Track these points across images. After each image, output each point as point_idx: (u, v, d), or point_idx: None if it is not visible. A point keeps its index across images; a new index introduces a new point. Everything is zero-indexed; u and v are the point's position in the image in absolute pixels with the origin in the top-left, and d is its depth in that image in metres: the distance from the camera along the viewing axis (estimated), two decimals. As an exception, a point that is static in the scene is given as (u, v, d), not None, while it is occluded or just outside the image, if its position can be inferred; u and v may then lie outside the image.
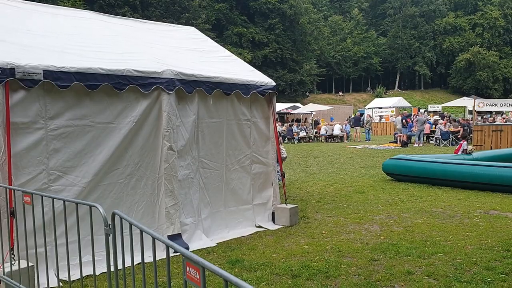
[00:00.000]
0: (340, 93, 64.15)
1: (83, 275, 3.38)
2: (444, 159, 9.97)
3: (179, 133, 5.47)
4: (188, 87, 5.50)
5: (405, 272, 4.35)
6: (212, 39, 8.35)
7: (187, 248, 5.15)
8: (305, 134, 26.43)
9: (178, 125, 5.46)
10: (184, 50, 6.72)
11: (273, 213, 6.62)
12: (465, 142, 12.00)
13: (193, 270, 1.91)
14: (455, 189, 8.94)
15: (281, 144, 9.37)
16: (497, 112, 30.44)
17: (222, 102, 6.05)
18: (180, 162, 5.48)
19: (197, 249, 5.32)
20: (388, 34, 66.50)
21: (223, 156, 6.13)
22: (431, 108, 39.76)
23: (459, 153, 11.54)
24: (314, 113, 34.60)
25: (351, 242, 5.51)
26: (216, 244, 5.56)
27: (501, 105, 20.80)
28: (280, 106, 34.30)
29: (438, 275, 4.26)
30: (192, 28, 8.12)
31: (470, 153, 11.11)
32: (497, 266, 4.41)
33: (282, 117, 35.25)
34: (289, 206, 6.56)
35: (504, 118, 26.73)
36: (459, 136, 18.71)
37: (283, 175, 7.27)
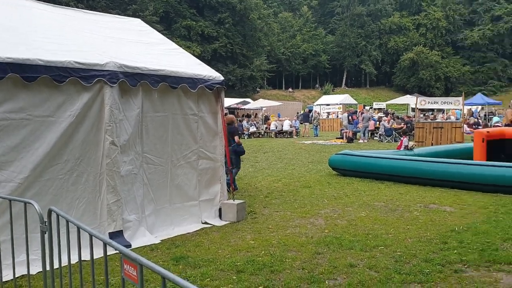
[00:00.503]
0: (290, 90, 65.04)
1: (18, 275, 3.23)
2: (387, 155, 10.36)
3: (122, 128, 5.34)
4: (132, 80, 5.38)
5: (348, 265, 4.49)
6: (160, 31, 8.22)
7: (129, 246, 5.06)
8: (255, 129, 26.60)
9: (121, 119, 5.33)
10: (129, 42, 6.56)
11: (220, 209, 6.62)
12: (406, 139, 12.52)
13: (130, 267, 1.88)
14: (397, 184, 9.30)
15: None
16: (439, 110, 31.99)
17: (168, 96, 5.96)
18: (123, 158, 5.36)
19: (141, 246, 5.23)
20: (336, 33, 68.08)
21: (169, 152, 6.05)
22: (376, 105, 41.19)
23: (401, 149, 12.03)
24: (264, 108, 34.87)
25: (297, 236, 5.61)
26: (160, 241, 5.49)
27: (442, 103, 21.82)
28: (230, 101, 34.24)
29: (379, 267, 4.43)
30: (138, 20, 7.94)
31: (411, 149, 11.61)
32: (434, 258, 4.64)
33: (232, 112, 35.19)
34: (237, 201, 6.58)
35: (443, 116, 28.11)
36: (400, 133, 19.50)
37: (230, 171, 7.29)
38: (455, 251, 4.85)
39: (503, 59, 62.61)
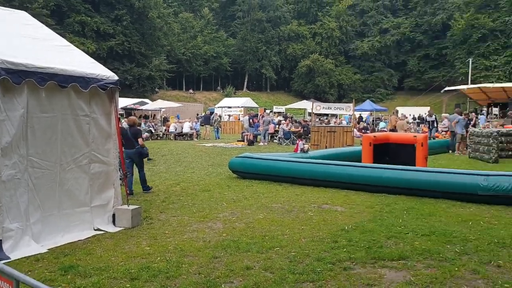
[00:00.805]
0: (191, 91, 64.61)
1: None
2: (285, 157, 10.74)
3: (3, 129, 4.90)
4: (15, 78, 4.95)
5: (244, 268, 4.56)
6: (51, 26, 7.68)
7: (6, 259, 4.65)
8: (152, 131, 25.97)
9: (3, 119, 4.90)
10: (13, 36, 6.01)
11: (114, 215, 6.34)
12: (302, 142, 13.06)
13: (5, 284, 1.72)
14: (294, 185, 9.67)
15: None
16: (332, 115, 33.97)
17: (56, 95, 5.58)
18: (4, 161, 4.92)
19: (24, 257, 4.83)
20: (237, 36, 69.14)
21: (57, 155, 5.66)
22: (276, 109, 42.61)
23: (298, 151, 12.53)
24: (163, 109, 34.20)
25: (194, 241, 5.58)
26: (47, 250, 5.12)
27: (335, 108, 23.24)
28: (127, 102, 33.09)
29: (274, 268, 4.56)
30: (24, 13, 7.32)
31: (306, 152, 12.15)
32: (326, 257, 4.89)
33: (129, 113, 34.04)
34: (131, 207, 6.37)
35: (336, 121, 29.86)
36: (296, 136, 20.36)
37: (125, 175, 7.04)
38: (345, 249, 5.16)
39: (389, 69, 68.35)
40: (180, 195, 8.71)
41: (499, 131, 15.37)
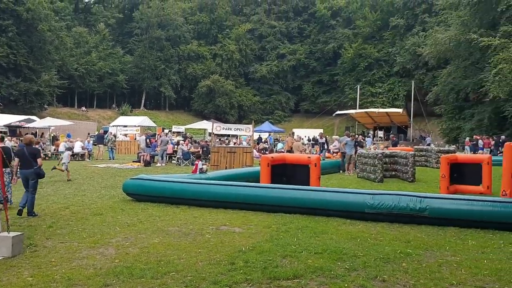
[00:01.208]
0: (83, 108, 61.44)
1: None
2: (182, 179, 10.61)
3: None
4: None
5: (137, 295, 4.38)
6: None
7: None
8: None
9: None
10: None
11: (-11, 244, 5.74)
12: (200, 162, 13.05)
13: None
14: (192, 207, 9.55)
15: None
16: (233, 136, 34.43)
17: None
18: None
19: None
20: (134, 53, 67.60)
21: None
22: (175, 128, 42.12)
23: (197, 172, 12.47)
24: (52, 127, 32.06)
25: (84, 268, 5.24)
26: None
27: (235, 129, 23.59)
28: (12, 118, 30.57)
29: (169, 293, 4.44)
30: None
31: (205, 172, 12.14)
32: (222, 280, 4.87)
33: (14, 130, 31.44)
34: (12, 234, 5.82)
35: (236, 142, 30.32)
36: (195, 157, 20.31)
37: (5, 199, 6.44)
38: (241, 271, 5.19)
39: (287, 92, 71.39)
40: (69, 219, 8.16)
41: (384, 152, 16.73)
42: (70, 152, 18.48)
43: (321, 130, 47.47)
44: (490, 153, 26.04)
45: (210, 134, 31.82)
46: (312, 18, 72.76)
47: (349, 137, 18.64)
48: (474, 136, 30.76)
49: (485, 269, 5.37)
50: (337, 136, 26.20)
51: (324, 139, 25.33)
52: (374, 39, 63.28)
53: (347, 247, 6.32)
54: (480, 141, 29.30)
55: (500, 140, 28.01)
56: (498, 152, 26.03)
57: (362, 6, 66.80)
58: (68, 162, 15.36)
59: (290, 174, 11.74)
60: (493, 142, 29.13)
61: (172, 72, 68.12)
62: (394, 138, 37.33)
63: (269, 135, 43.88)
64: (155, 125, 42.66)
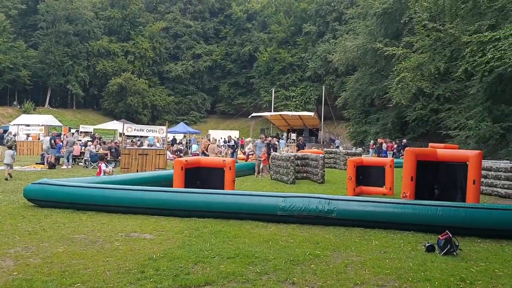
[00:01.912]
0: (-21, 105, 56.41)
1: None
2: (89, 183, 10.14)
3: None
4: None
5: (37, 311, 4.12)
6: None
7: None
8: None
9: None
10: None
11: None
12: (104, 164, 12.56)
13: None
14: (100, 213, 9.16)
15: None
16: (145, 137, 33.57)
17: None
18: None
19: None
20: (39, 48, 63.36)
21: None
22: (82, 128, 40.10)
23: (101, 175, 11.98)
24: None
25: (-25, 285, 4.82)
26: None
27: (148, 130, 23.03)
28: None
29: (73, 307, 4.23)
30: None
31: (110, 174, 11.71)
32: (131, 288, 4.75)
33: None
34: None
35: (148, 144, 29.65)
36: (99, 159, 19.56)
37: None
38: (152, 279, 5.08)
39: (203, 93, 71.03)
40: (-42, 230, 7.45)
41: (296, 155, 17.30)
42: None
43: (237, 132, 48.10)
44: (393, 156, 27.98)
45: (120, 135, 30.74)
46: (228, 20, 73.26)
47: (260, 140, 19.13)
48: (379, 139, 32.85)
49: (387, 268, 5.75)
50: (250, 138, 26.66)
51: (232, 141, 25.74)
52: (288, 44, 65.17)
53: (259, 250, 6.44)
54: (384, 144, 31.34)
55: (402, 144, 30.21)
56: (400, 155, 28.02)
57: (277, 11, 68.38)
58: None
59: (205, 178, 11.72)
60: (395, 146, 31.31)
61: (80, 68, 64.78)
62: (303, 141, 38.68)
63: (184, 136, 43.44)
64: (61, 125, 40.35)
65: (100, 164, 12.63)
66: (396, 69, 31.06)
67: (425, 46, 28.06)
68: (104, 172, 11.90)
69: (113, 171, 12.84)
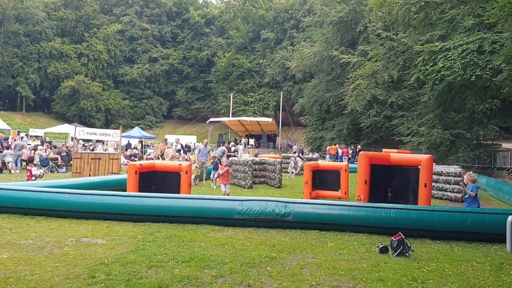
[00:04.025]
0: None
1: None
2: (37, 187, 9.75)
3: None
4: None
5: (-22, 319, 3.90)
6: None
7: None
8: None
9: None
10: None
11: None
12: (35, 167, 12.12)
13: None
14: (49, 218, 8.83)
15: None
16: (98, 141, 32.74)
17: None
18: None
19: None
20: (-14, 47, 60.72)
21: None
22: (32, 132, 38.65)
23: (32, 179, 11.50)
24: None
25: None
26: None
27: (101, 134, 22.39)
28: None
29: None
30: None
31: (40, 177, 11.23)
32: (80, 294, 4.58)
33: None
34: None
35: (103, 147, 28.97)
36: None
37: None
38: (102, 284, 4.93)
39: (159, 97, 69.99)
40: None
41: (254, 160, 17.35)
42: None
43: (194, 137, 47.73)
44: (347, 161, 28.59)
45: (72, 138, 29.79)
46: (186, 24, 72.71)
47: (202, 144, 18.17)
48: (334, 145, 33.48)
49: (341, 269, 5.84)
50: (199, 144, 26.58)
51: (179, 145, 25.65)
52: (247, 50, 65.44)
53: (214, 254, 6.39)
54: (339, 150, 31.97)
55: (357, 149, 30.93)
56: (355, 160, 28.68)
57: (235, 17, 68.52)
58: None
59: (160, 182, 11.52)
60: (350, 151, 32.01)
61: (31, 70, 62.43)
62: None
63: (139, 141, 42.70)
64: (9, 128, 38.63)
65: (29, 167, 12.08)
66: (351, 77, 31.81)
67: (379, 55, 28.91)
68: (34, 176, 11.42)
69: (43, 174, 12.34)
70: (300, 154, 23.95)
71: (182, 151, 25.06)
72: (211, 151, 19.42)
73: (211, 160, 16.95)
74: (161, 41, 72.42)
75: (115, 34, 69.06)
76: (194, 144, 39.85)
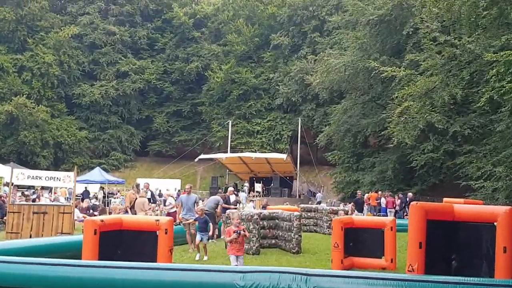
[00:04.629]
0: None
1: None
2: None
3: None
4: None
5: None
6: None
7: None
8: None
9: None
10: None
11: None
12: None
13: None
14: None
15: None
16: (44, 188, 32.80)
17: None
18: None
19: None
20: None
21: None
22: (-47, 176, 38.86)
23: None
24: None
25: None
26: None
27: (48, 178, 22.42)
28: None
29: None
30: None
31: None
32: None
33: None
34: None
35: (50, 197, 29.06)
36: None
37: None
38: None
39: (130, 126, 69.78)
40: None
41: (261, 213, 17.27)
42: None
43: (179, 181, 47.72)
44: (394, 215, 28.38)
45: (7, 184, 29.90)
46: (168, 27, 73.41)
47: (184, 192, 18.00)
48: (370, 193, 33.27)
49: None
50: (170, 192, 26.58)
51: (149, 192, 25.63)
52: (251, 60, 65.93)
53: None
54: (382, 199, 31.78)
55: (407, 199, 30.68)
56: (405, 214, 28.47)
57: (236, 17, 68.76)
58: None
59: (129, 245, 11.45)
60: (398, 201, 31.79)
61: (-48, 89, 63.43)
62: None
63: (101, 188, 42.74)
64: None
65: None
66: (397, 97, 31.65)
67: (435, 66, 28.93)
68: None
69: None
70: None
71: (151, 201, 24.92)
72: (199, 201, 19.21)
73: (199, 214, 16.21)
74: (134, 50, 73.03)
75: (70, 40, 69.80)
76: (178, 191, 39.83)
